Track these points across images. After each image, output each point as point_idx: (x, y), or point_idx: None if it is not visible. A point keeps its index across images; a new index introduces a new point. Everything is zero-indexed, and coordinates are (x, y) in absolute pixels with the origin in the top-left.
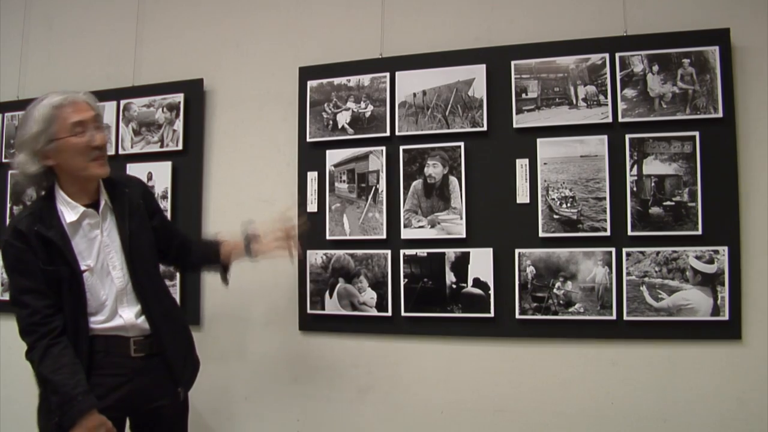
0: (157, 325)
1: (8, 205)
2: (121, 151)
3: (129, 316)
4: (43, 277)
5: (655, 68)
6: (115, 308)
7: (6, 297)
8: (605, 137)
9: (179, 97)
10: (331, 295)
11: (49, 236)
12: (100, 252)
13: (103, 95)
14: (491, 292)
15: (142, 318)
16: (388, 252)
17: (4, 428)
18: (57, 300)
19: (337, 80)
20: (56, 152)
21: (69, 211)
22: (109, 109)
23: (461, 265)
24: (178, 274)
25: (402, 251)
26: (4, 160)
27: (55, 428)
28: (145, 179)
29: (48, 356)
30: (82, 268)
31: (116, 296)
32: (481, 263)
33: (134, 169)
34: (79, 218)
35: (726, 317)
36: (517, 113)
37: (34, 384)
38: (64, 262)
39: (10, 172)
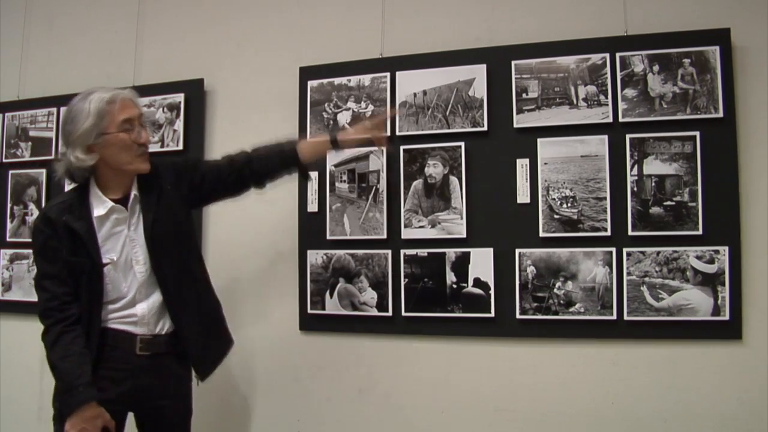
0: (179, 316)
1: (9, 205)
2: None
3: (143, 308)
4: (65, 266)
5: (656, 68)
6: (134, 300)
7: (6, 297)
8: (606, 137)
9: (180, 97)
10: (331, 295)
11: (76, 227)
12: (124, 246)
13: None
14: (492, 292)
15: (159, 308)
16: (389, 252)
17: (4, 428)
18: (75, 288)
19: (337, 80)
20: (103, 146)
21: (99, 205)
22: None
23: (462, 265)
24: None
25: (402, 251)
26: (4, 160)
27: (57, 413)
28: None
29: (59, 343)
30: (105, 261)
31: (137, 289)
32: (482, 263)
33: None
34: (107, 213)
35: (726, 317)
36: (517, 113)
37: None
38: (86, 254)
39: (10, 172)
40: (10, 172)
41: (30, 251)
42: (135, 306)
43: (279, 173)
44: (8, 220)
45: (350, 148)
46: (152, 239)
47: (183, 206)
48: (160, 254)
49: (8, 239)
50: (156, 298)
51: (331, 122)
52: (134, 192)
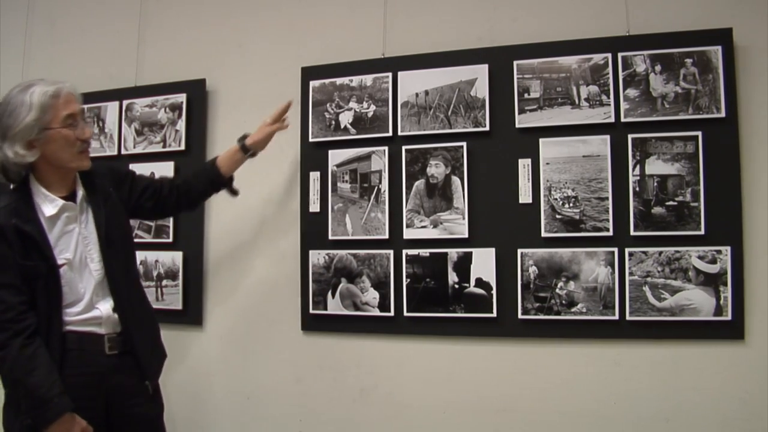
0: (127, 319)
1: None
2: (123, 152)
3: (106, 308)
4: (18, 272)
5: (658, 68)
6: (92, 300)
7: None
8: (608, 137)
9: (182, 98)
10: (333, 295)
11: (27, 230)
12: (78, 245)
13: (105, 95)
14: (494, 292)
15: (116, 312)
16: (391, 252)
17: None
18: (30, 296)
19: (339, 80)
20: (45, 142)
21: (47, 205)
22: (111, 109)
23: (464, 265)
24: (181, 276)
25: (404, 251)
26: None
27: (26, 429)
28: None
29: (22, 357)
30: (60, 262)
31: (94, 289)
32: (484, 263)
33: (137, 170)
34: (58, 212)
35: (729, 317)
36: (519, 113)
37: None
38: (41, 257)
39: None
40: None
41: None
42: (96, 307)
43: (207, 192)
44: None
45: (261, 148)
46: (105, 238)
47: (124, 212)
48: (111, 254)
49: None
50: (111, 299)
51: (333, 122)
52: (81, 190)
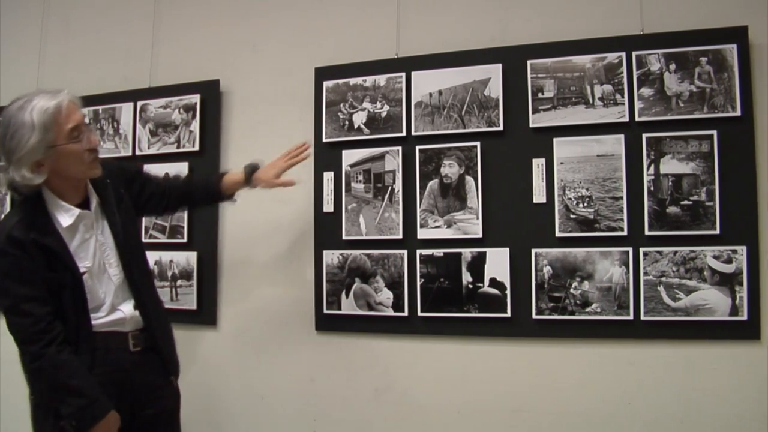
0: (150, 316)
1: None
2: (138, 152)
3: (128, 308)
4: (43, 284)
5: (672, 67)
6: (113, 304)
7: None
8: (622, 136)
9: (196, 98)
10: (347, 295)
11: (47, 243)
12: (96, 251)
13: (120, 97)
14: (508, 292)
15: (138, 311)
16: (405, 252)
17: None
18: (56, 306)
19: (352, 80)
20: (54, 159)
21: (63, 215)
22: (126, 110)
23: (478, 265)
24: (195, 276)
25: (418, 251)
26: None
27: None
28: None
29: (61, 363)
30: (82, 270)
31: (114, 292)
32: (498, 263)
33: (151, 170)
34: (75, 221)
35: (744, 317)
36: (533, 113)
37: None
38: (63, 267)
39: None
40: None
41: None
42: (118, 309)
43: (205, 203)
44: None
45: (264, 187)
46: (123, 242)
47: (134, 211)
48: (129, 257)
49: None
50: (132, 300)
51: (347, 122)
52: (94, 197)
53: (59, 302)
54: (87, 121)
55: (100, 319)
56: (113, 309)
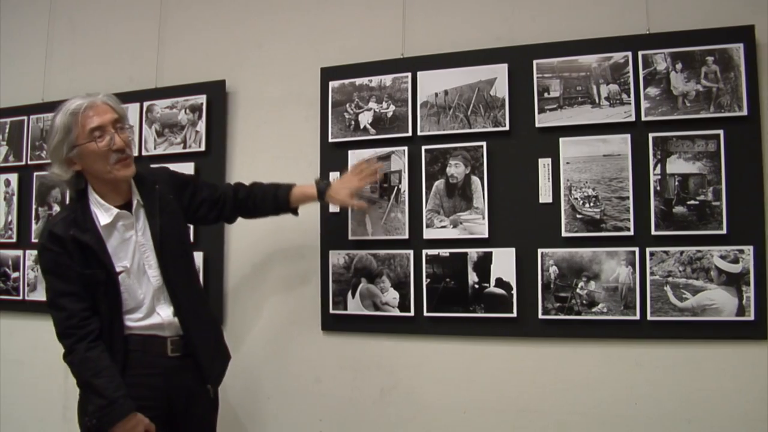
0: (188, 323)
1: (33, 206)
2: (144, 153)
3: (167, 313)
4: (79, 281)
5: (679, 66)
6: (153, 306)
7: (31, 297)
8: (628, 136)
9: (202, 99)
10: (353, 296)
11: (85, 240)
12: (135, 252)
13: (126, 97)
14: (514, 292)
15: (176, 317)
16: (411, 252)
17: (30, 427)
18: (92, 302)
19: (358, 81)
20: (79, 158)
21: (103, 213)
22: (132, 111)
23: (484, 265)
24: (201, 276)
25: (424, 251)
26: (29, 162)
27: (93, 430)
28: None
29: (88, 360)
30: (118, 269)
31: (153, 294)
32: (504, 263)
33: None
34: (113, 220)
35: (752, 317)
36: (539, 112)
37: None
38: (100, 265)
39: (35, 174)
40: (35, 173)
41: None
42: (156, 312)
43: (269, 214)
44: (33, 222)
45: (335, 204)
46: (162, 244)
47: (183, 217)
48: (168, 260)
49: (33, 240)
50: (172, 305)
51: (353, 123)
52: (137, 198)
53: (95, 301)
54: (124, 121)
55: (138, 322)
56: (152, 312)
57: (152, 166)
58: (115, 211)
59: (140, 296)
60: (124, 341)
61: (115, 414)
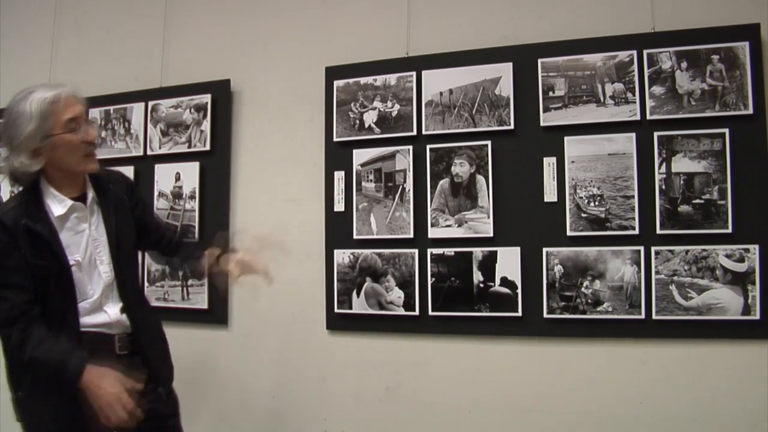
0: (137, 322)
1: None
2: (149, 152)
3: (114, 311)
4: (27, 272)
5: (684, 65)
6: (100, 303)
7: None
8: (633, 135)
9: (206, 98)
10: (358, 295)
11: (37, 229)
12: (87, 246)
13: (131, 97)
14: (519, 291)
15: (125, 315)
16: (416, 251)
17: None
18: (37, 295)
19: (363, 80)
20: (50, 149)
21: (56, 205)
22: (137, 110)
23: (489, 264)
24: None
25: (429, 250)
26: None
27: (55, 410)
28: (173, 180)
29: (29, 337)
30: (71, 262)
31: (102, 291)
32: (509, 262)
33: (162, 170)
34: (68, 212)
35: (757, 317)
36: (544, 111)
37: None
38: (52, 256)
39: None
40: None
41: None
42: (104, 310)
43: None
44: None
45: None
46: (116, 241)
47: (132, 219)
48: (121, 257)
49: None
50: (120, 303)
51: (357, 122)
52: (92, 192)
53: (45, 292)
54: (89, 116)
55: (86, 317)
56: (100, 308)
57: (110, 168)
58: (70, 202)
59: (90, 292)
60: (78, 335)
61: (76, 363)
